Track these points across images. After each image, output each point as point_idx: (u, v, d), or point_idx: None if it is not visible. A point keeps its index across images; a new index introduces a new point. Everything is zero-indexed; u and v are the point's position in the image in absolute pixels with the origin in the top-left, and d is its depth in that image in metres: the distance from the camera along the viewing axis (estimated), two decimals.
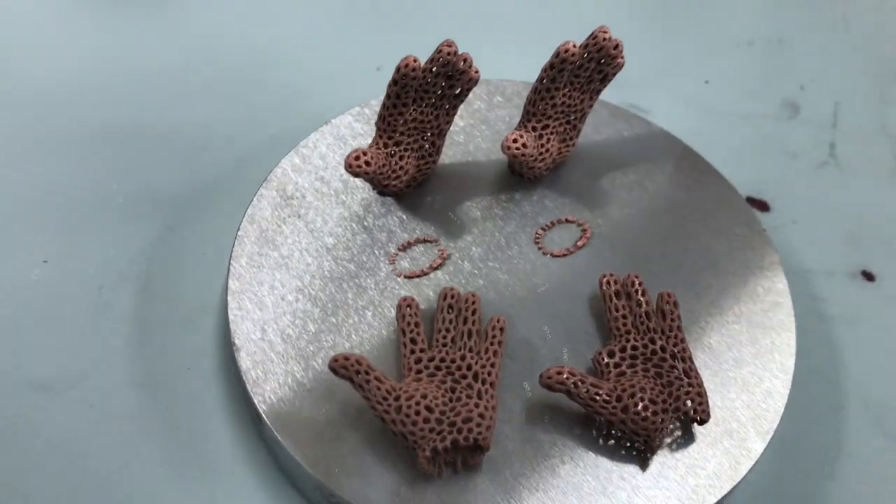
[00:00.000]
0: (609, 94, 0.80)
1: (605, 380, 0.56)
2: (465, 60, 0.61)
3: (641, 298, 0.59)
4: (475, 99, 0.74)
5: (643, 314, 0.59)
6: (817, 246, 0.75)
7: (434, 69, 0.60)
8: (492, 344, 0.57)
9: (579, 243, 0.66)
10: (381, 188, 0.64)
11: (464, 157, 0.70)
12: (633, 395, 0.54)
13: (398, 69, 0.59)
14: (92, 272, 0.68)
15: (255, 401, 0.57)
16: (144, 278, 0.68)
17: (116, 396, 0.62)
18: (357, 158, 0.59)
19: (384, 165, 0.61)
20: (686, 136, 0.78)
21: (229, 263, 0.62)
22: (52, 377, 0.62)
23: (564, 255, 0.65)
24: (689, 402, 0.55)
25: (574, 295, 0.63)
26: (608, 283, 0.60)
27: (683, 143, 0.73)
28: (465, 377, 0.55)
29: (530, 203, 0.68)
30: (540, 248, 0.65)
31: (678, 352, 0.57)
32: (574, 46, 0.61)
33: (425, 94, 0.62)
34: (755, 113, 0.84)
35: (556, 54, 0.61)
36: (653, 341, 0.58)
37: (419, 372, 0.56)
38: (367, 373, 0.53)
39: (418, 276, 0.63)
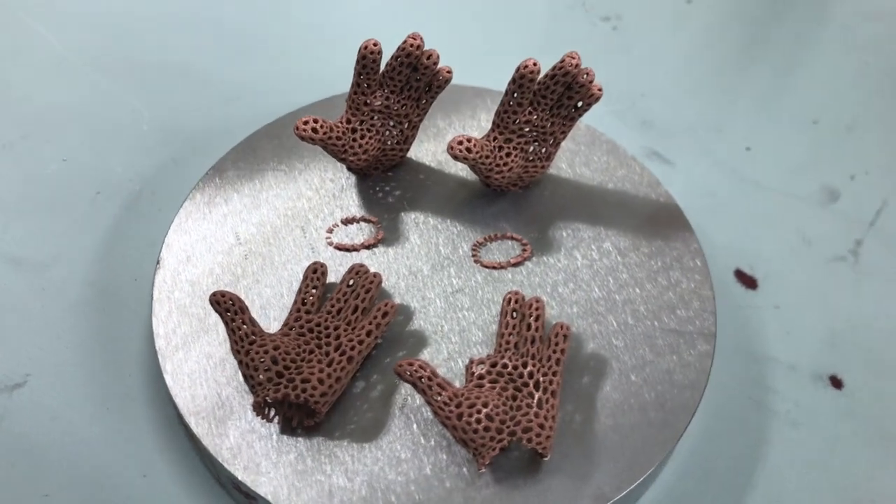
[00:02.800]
0: (633, 135, 0.80)
1: (465, 387, 0.56)
2: (429, 56, 0.63)
3: (533, 322, 0.59)
4: (480, 108, 0.76)
5: (529, 338, 0.58)
6: (791, 338, 0.70)
7: (399, 59, 0.63)
8: (370, 323, 0.58)
9: (513, 260, 0.66)
10: (340, 160, 0.67)
11: (444, 157, 0.72)
12: (472, 406, 0.54)
13: (359, 50, 0.62)
14: (96, 179, 0.76)
15: (154, 319, 0.61)
16: (134, 196, 0.75)
17: (68, 287, 0.69)
18: (306, 123, 0.62)
19: (339, 139, 0.64)
20: (694, 195, 0.76)
21: (186, 197, 0.68)
22: (26, 256, 0.70)
23: (494, 268, 0.65)
24: (529, 432, 0.54)
25: (485, 305, 0.63)
26: (510, 300, 0.60)
27: (671, 198, 0.70)
28: (328, 344, 0.57)
29: (486, 213, 0.69)
30: (474, 256, 0.66)
31: (544, 382, 0.56)
32: (534, 65, 0.62)
33: (391, 81, 0.64)
34: (786, 190, 0.80)
35: (517, 69, 0.62)
36: (525, 365, 0.57)
37: (291, 329, 0.58)
38: (236, 312, 0.57)
39: (347, 250, 0.66)
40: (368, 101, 0.65)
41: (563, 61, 0.62)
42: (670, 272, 0.66)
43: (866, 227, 0.77)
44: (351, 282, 0.61)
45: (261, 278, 0.64)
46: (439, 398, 0.54)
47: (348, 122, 0.66)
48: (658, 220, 0.69)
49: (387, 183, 0.70)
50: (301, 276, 0.63)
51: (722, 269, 0.73)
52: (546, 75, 0.63)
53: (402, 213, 0.68)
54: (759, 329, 0.70)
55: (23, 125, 0.79)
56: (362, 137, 0.66)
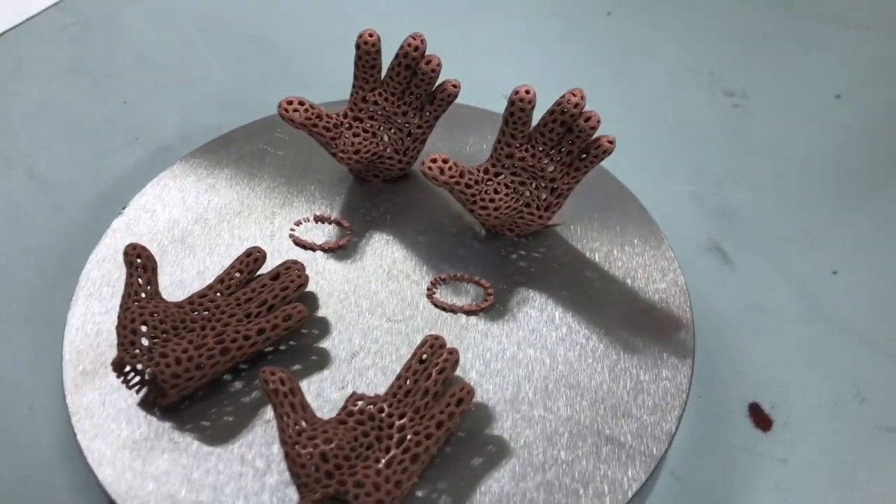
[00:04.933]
0: (702, 221, 0.70)
1: (326, 419, 0.50)
2: (428, 62, 0.57)
3: (434, 373, 0.51)
4: None
5: (423, 389, 0.50)
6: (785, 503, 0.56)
7: (398, 58, 0.58)
8: (267, 322, 0.53)
9: (467, 307, 0.58)
10: (331, 154, 0.62)
11: None
12: (312, 438, 0.47)
13: (356, 40, 0.58)
14: (145, 122, 0.77)
15: (89, 259, 0.60)
16: (178, 139, 0.75)
17: (67, 207, 0.70)
18: (290, 103, 0.59)
19: (328, 129, 0.60)
20: (743, 305, 0.65)
21: (184, 155, 0.67)
22: (47, 175, 0.73)
23: (444, 309, 0.58)
24: (360, 488, 0.46)
25: (416, 340, 0.56)
26: (425, 342, 0.53)
27: (685, 299, 0.59)
28: (212, 329, 0.53)
29: (465, 252, 0.61)
30: (429, 291, 0.59)
31: (411, 442, 0.48)
32: (527, 92, 0.54)
33: (391, 81, 0.59)
34: (861, 332, 0.64)
35: (510, 96, 0.55)
36: (401, 416, 0.49)
37: (192, 302, 0.54)
38: (137, 268, 0.54)
39: (303, 247, 0.61)
40: (367, 98, 0.61)
41: (563, 97, 0.54)
42: (643, 374, 0.55)
43: None
44: (278, 276, 0.57)
45: (211, 248, 0.61)
46: (287, 419, 0.48)
47: (345, 115, 0.61)
48: (658, 317, 0.58)
49: (381, 194, 0.65)
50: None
51: (736, 397, 0.61)
52: (547, 111, 0.55)
53: (379, 228, 0.63)
54: (748, 480, 0.56)
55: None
56: (356, 136, 0.61)
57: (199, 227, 0.62)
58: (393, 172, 0.64)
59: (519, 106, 0.54)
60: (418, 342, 0.55)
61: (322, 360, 0.55)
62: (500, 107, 0.63)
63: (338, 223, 0.63)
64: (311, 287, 0.59)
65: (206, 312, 0.54)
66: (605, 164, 0.64)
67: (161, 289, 0.57)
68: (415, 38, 0.57)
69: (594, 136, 0.56)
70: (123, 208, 0.63)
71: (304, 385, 0.54)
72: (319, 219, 0.63)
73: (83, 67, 0.82)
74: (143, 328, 0.52)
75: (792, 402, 0.60)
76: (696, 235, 0.71)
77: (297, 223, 0.63)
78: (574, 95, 0.53)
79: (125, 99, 0.80)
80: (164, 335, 0.52)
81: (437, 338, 0.53)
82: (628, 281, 0.60)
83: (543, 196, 0.59)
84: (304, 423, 0.48)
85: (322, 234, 0.62)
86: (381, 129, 0.61)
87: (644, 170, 0.74)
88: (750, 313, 0.66)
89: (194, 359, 0.51)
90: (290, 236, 0.62)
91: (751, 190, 0.74)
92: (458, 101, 0.64)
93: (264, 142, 0.68)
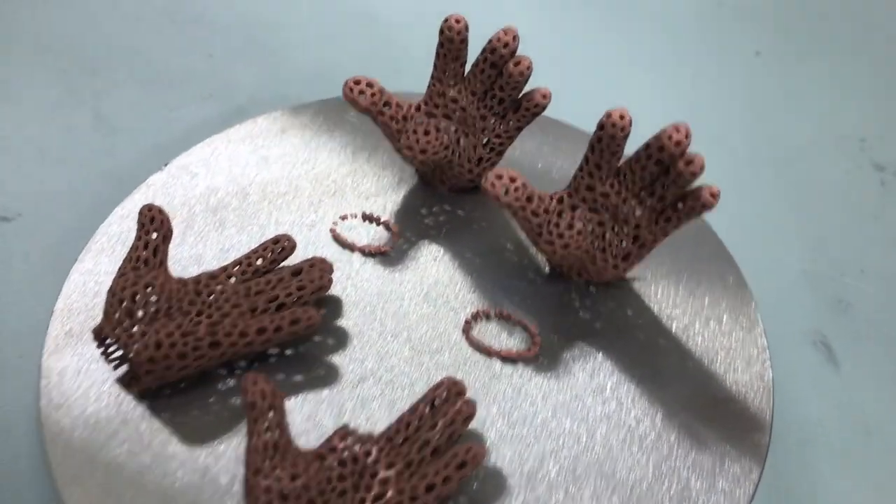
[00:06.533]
0: (812, 309, 0.60)
1: (305, 449, 0.42)
2: (517, 63, 0.49)
3: (440, 425, 0.43)
4: None
5: (422, 440, 0.42)
6: None
7: (484, 54, 0.50)
8: (271, 322, 0.47)
9: (504, 352, 0.49)
10: (396, 149, 0.55)
11: None
12: (280, 469, 0.40)
13: (441, 26, 0.51)
14: (228, 81, 0.72)
15: (115, 210, 0.55)
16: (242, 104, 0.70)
17: (116, 149, 0.66)
18: (357, 83, 0.52)
19: (395, 120, 0.53)
20: (838, 418, 0.54)
21: (244, 121, 0.61)
22: (111, 117, 0.69)
23: (478, 350, 0.50)
24: None
25: (436, 379, 0.48)
26: (441, 386, 0.44)
27: (769, 403, 0.48)
28: (209, 317, 0.46)
29: (521, 288, 0.53)
30: (466, 325, 0.51)
31: (390, 501, 0.40)
32: (621, 118, 0.45)
33: (474, 78, 0.52)
34: None
35: (600, 122, 0.46)
36: (389, 466, 0.42)
37: (199, 283, 0.48)
38: (148, 232, 0.49)
39: (341, 244, 0.54)
40: (445, 93, 0.53)
41: (663, 131, 0.45)
42: (694, 479, 0.45)
43: None
44: (300, 273, 0.50)
45: (243, 226, 0.55)
46: (257, 439, 0.41)
47: (418, 108, 0.54)
48: (730, 413, 0.48)
49: (444, 203, 0.57)
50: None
51: None
52: (642, 146, 0.46)
53: (431, 240, 0.55)
54: None
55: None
56: (426, 133, 0.54)
57: (237, 200, 0.56)
58: (461, 182, 0.56)
59: (609, 132, 0.45)
60: (439, 376, 0.48)
61: (327, 377, 0.48)
62: None
63: (386, 226, 0.55)
64: (337, 291, 0.52)
65: (210, 297, 0.48)
66: (708, 217, 0.54)
67: (176, 260, 0.51)
68: (506, 34, 0.49)
69: (694, 185, 0.46)
70: (165, 164, 0.58)
71: (299, 401, 0.47)
72: (367, 217, 0.56)
73: (176, 15, 0.78)
74: (137, 299, 0.46)
75: None
76: (800, 323, 0.60)
77: (343, 217, 0.56)
78: (677, 131, 0.44)
79: (211, 52, 0.75)
80: (155, 313, 0.46)
81: (455, 383, 0.45)
82: (705, 362, 0.50)
83: (623, 243, 0.49)
84: (273, 450, 0.41)
85: (366, 234, 0.55)
86: (456, 130, 0.54)
87: (754, 234, 0.64)
88: (847, 429, 0.55)
89: (177, 346, 0.45)
90: (331, 231, 0.55)
91: (877, 283, 0.63)
92: (558, 116, 0.57)
93: (332, 123, 0.62)
